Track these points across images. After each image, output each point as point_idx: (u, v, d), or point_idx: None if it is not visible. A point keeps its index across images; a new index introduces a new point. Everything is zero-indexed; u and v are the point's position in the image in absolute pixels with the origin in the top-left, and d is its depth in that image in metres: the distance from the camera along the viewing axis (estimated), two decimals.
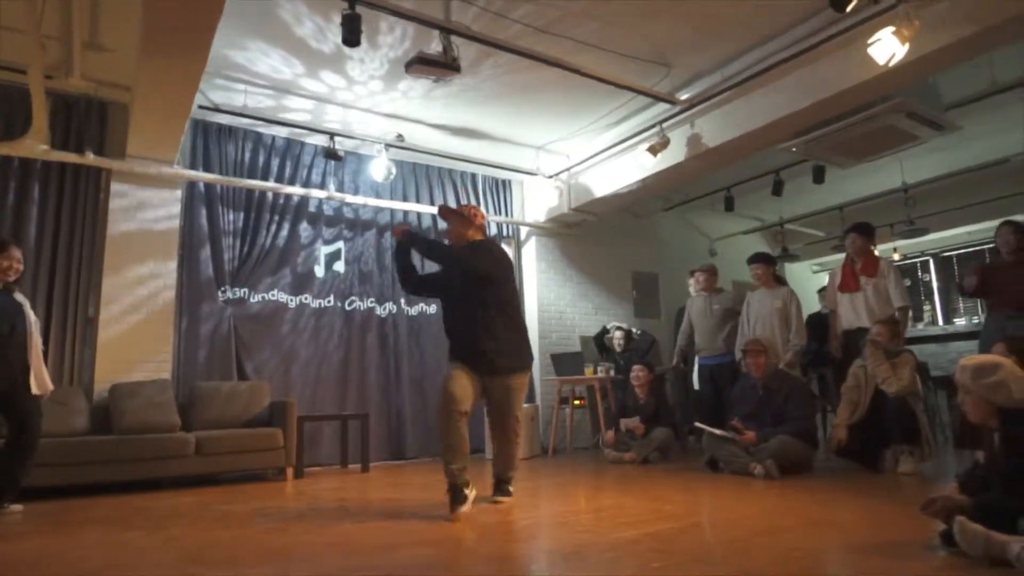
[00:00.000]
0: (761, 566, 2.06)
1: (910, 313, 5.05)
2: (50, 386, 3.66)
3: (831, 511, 3.03)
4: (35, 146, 4.55)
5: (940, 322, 9.39)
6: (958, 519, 2.04)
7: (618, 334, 6.39)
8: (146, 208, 5.14)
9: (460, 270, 3.39)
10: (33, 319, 3.64)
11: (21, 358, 3.51)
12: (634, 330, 6.57)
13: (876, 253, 5.13)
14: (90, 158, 4.83)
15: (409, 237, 3.50)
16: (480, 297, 3.35)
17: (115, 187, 5.03)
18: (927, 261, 9.77)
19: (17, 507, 3.48)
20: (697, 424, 4.55)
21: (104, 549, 2.58)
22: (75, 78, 4.60)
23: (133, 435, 4.32)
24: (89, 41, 4.39)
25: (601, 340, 6.56)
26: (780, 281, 5.65)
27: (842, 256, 5.30)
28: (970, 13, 3.75)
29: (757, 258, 5.50)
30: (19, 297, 3.61)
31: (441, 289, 3.64)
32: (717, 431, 4.42)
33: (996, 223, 4.68)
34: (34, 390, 3.53)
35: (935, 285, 9.71)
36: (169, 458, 4.33)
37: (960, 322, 8.56)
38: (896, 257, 9.35)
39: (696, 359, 5.88)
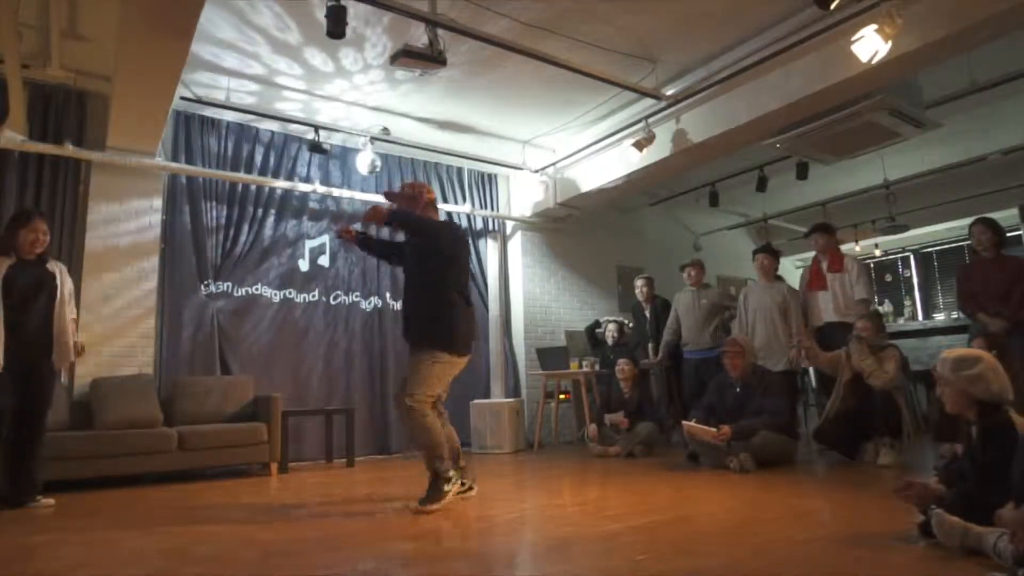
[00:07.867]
0: (743, 557, 2.08)
1: (872, 307, 5.12)
2: (71, 358, 3.59)
3: (812, 503, 3.07)
4: (12, 137, 4.47)
5: (920, 317, 9.51)
6: (936, 511, 2.07)
7: (612, 327, 6.41)
8: (127, 201, 5.07)
9: (427, 241, 3.33)
10: (69, 288, 3.58)
11: (45, 332, 3.44)
12: (626, 322, 6.59)
13: (842, 250, 5.20)
14: (69, 150, 4.75)
15: (384, 218, 3.18)
16: (424, 268, 3.34)
17: (95, 179, 4.96)
18: (908, 257, 9.89)
19: (48, 500, 3.42)
20: (684, 423, 4.49)
21: (83, 547, 2.55)
22: (53, 67, 4.53)
23: (114, 430, 4.27)
24: (67, 29, 4.31)
25: (593, 333, 6.58)
26: (778, 278, 5.69)
27: None
28: (950, 12, 3.80)
29: (766, 248, 5.51)
30: (53, 266, 3.53)
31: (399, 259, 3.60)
32: (698, 431, 4.32)
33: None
34: (55, 365, 3.46)
35: (915, 281, 9.84)
36: (151, 453, 4.29)
37: (939, 317, 8.68)
38: (877, 253, 9.47)
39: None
